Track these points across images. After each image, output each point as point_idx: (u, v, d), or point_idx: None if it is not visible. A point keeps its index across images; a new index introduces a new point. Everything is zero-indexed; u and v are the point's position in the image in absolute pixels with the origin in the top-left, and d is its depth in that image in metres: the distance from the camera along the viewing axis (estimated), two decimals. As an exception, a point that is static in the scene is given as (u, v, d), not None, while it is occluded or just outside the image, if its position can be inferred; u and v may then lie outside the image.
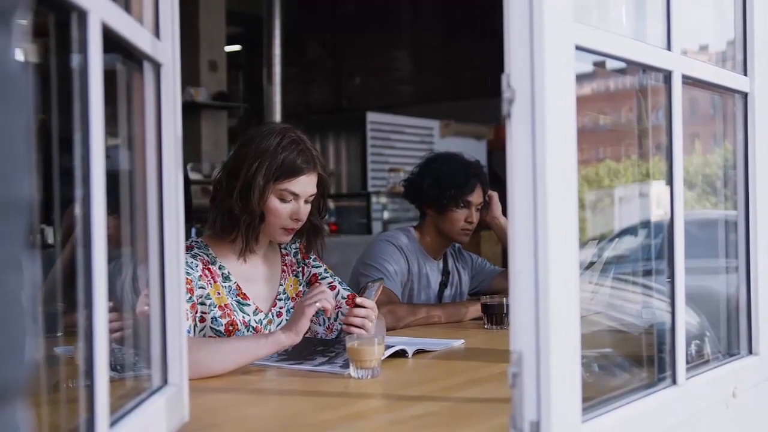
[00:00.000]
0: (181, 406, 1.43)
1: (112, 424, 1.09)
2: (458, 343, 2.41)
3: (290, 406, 1.72)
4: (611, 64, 1.62)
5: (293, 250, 2.46)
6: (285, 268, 2.42)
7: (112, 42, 1.12)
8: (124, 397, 1.27)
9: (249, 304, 2.28)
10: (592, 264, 2.25)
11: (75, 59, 1.02)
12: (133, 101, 1.36)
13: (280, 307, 2.37)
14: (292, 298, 2.40)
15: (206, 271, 2.21)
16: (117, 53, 1.25)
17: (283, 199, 2.23)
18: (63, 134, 1.04)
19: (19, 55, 0.60)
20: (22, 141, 0.56)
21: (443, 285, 3.20)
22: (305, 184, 2.25)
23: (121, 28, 1.15)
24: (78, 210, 1.01)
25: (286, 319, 2.33)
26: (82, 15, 1.01)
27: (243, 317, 2.24)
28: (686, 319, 1.62)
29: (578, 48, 1.28)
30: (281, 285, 2.39)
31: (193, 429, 1.46)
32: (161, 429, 1.31)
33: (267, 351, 2.00)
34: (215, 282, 2.23)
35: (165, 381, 1.40)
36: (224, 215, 2.24)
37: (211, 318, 2.19)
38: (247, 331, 2.24)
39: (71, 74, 1.03)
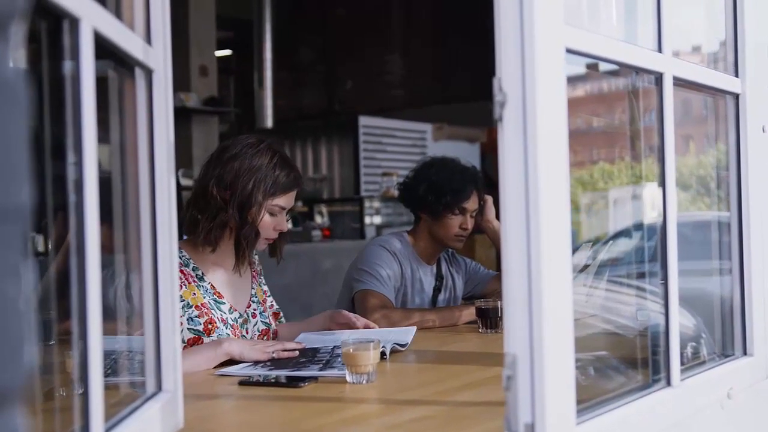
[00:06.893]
0: (175, 413, 1.43)
1: (107, 431, 1.09)
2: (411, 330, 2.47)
3: (285, 412, 1.72)
4: (604, 65, 1.62)
5: (256, 260, 2.58)
6: (254, 274, 2.53)
7: (103, 48, 1.12)
8: (118, 404, 1.27)
9: (224, 303, 2.36)
10: (586, 267, 2.25)
11: (67, 66, 1.02)
12: (125, 108, 1.36)
13: (254, 309, 2.47)
14: (261, 302, 2.51)
15: (179, 273, 2.25)
16: (108, 60, 1.25)
17: (272, 214, 2.34)
18: (54, 141, 1.04)
19: (16, 63, 0.60)
20: (20, 148, 0.57)
21: (437, 290, 3.20)
22: (293, 199, 2.39)
23: (113, 34, 1.15)
24: (72, 217, 1.01)
25: (261, 321, 2.47)
26: (74, 22, 1.01)
27: (221, 315, 2.32)
28: (682, 322, 1.62)
29: (569, 51, 1.29)
30: (252, 289, 2.50)
31: (188, 436, 1.45)
32: (156, 436, 1.31)
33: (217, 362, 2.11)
34: (190, 283, 2.30)
35: (159, 387, 1.39)
36: (218, 228, 2.30)
37: (188, 319, 2.25)
38: (226, 328, 2.31)
39: (63, 81, 1.02)
